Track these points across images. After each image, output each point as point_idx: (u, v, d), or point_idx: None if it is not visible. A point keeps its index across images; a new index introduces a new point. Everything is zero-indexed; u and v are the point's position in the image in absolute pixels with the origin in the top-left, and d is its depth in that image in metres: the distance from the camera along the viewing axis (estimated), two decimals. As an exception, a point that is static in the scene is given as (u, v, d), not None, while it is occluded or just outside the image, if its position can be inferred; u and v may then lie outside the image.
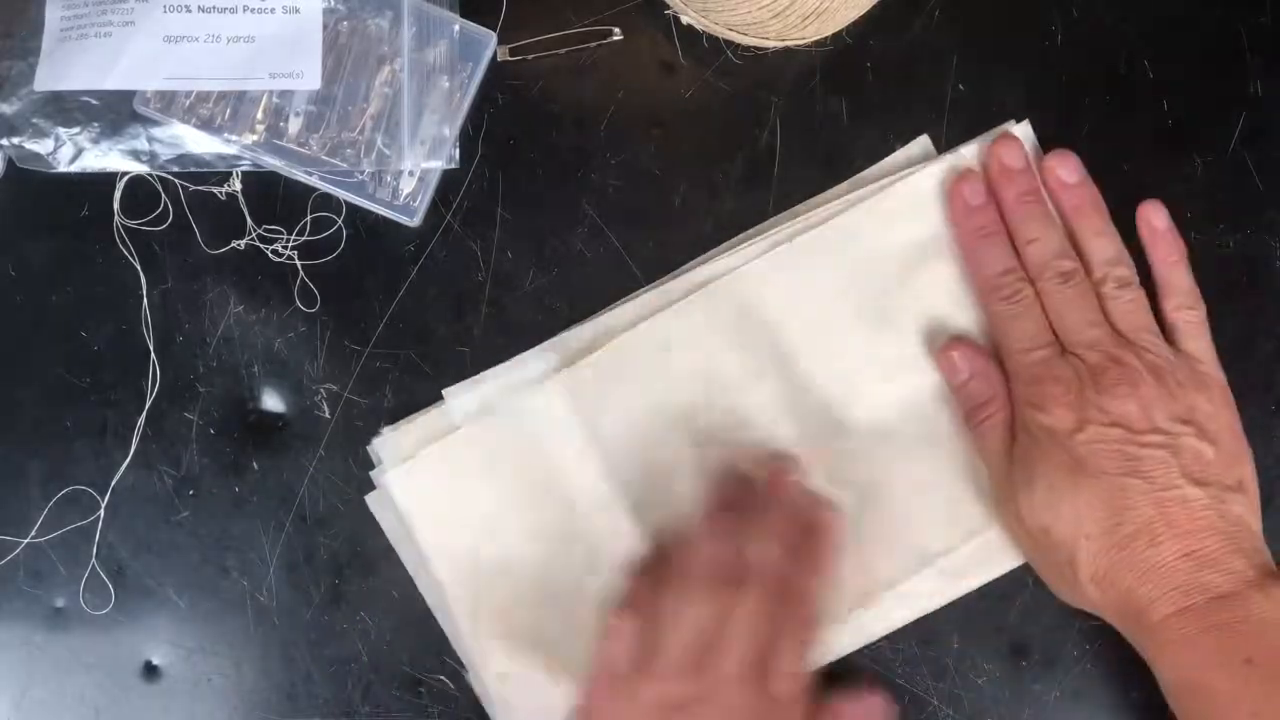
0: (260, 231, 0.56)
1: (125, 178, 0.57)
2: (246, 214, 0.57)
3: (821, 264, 0.56)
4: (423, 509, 0.55)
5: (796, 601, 0.49)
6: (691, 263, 0.57)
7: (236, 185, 0.56)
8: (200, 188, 0.57)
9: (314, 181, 0.56)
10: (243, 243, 0.57)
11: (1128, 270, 0.53)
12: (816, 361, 0.55)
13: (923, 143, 0.57)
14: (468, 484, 0.55)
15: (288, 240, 0.57)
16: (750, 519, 0.50)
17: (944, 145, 0.57)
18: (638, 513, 0.54)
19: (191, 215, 0.57)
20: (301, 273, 0.57)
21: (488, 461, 0.55)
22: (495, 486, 0.55)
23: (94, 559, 0.56)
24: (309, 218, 0.57)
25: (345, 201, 0.57)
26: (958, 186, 0.55)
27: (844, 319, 0.55)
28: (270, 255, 0.56)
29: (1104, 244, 0.54)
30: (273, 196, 0.57)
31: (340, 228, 0.57)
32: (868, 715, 0.52)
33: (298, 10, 0.56)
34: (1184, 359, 0.52)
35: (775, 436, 0.55)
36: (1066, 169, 0.55)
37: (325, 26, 0.57)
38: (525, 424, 0.55)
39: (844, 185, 0.57)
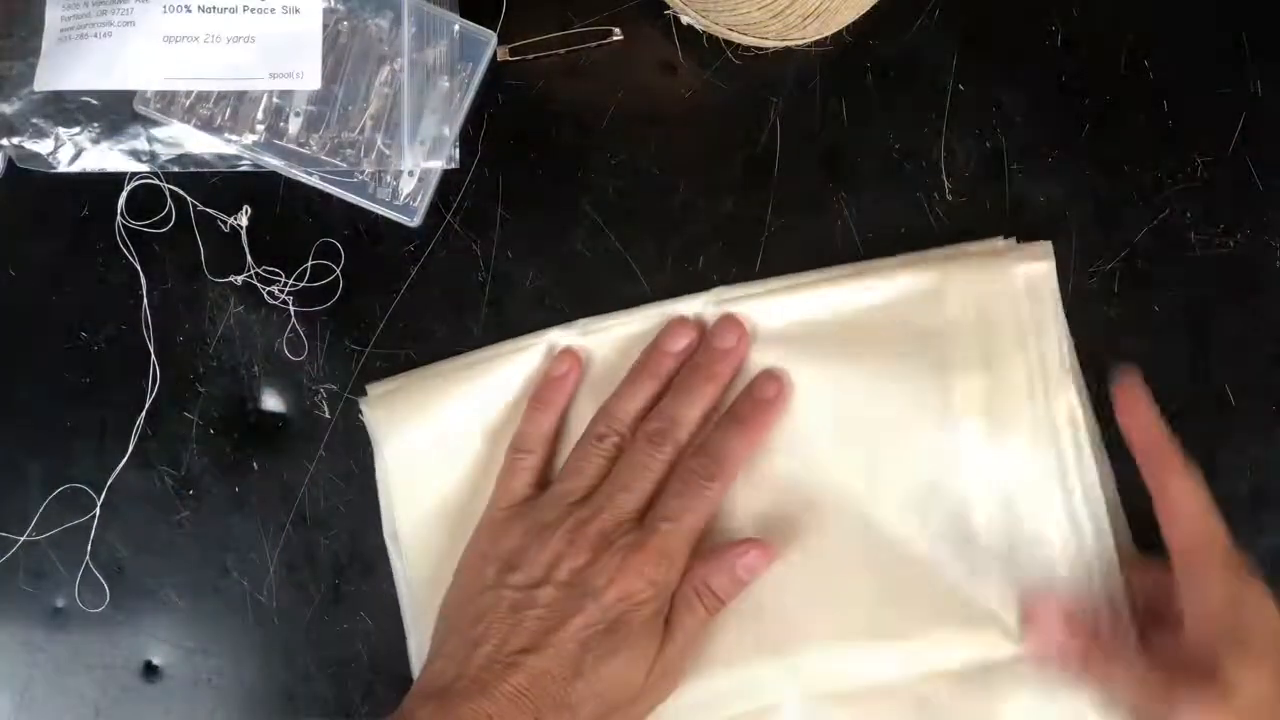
0: (259, 271, 0.56)
1: (133, 181, 0.57)
2: (248, 252, 0.57)
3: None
4: (393, 431, 0.55)
5: (704, 455, 0.52)
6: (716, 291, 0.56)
7: (243, 221, 0.56)
8: (208, 210, 0.57)
9: (314, 181, 0.56)
10: (240, 279, 0.57)
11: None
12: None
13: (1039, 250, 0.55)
14: (447, 413, 0.55)
15: (285, 284, 0.56)
16: (681, 379, 0.53)
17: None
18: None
19: (196, 227, 0.57)
20: (293, 319, 0.57)
21: (474, 399, 0.55)
22: (475, 421, 0.55)
23: (88, 557, 0.56)
24: (309, 264, 0.57)
25: (343, 247, 0.57)
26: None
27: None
28: (266, 296, 0.56)
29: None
30: (277, 231, 0.57)
31: (338, 277, 0.57)
32: (742, 558, 0.51)
33: (298, 10, 0.56)
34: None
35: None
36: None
37: (325, 26, 0.57)
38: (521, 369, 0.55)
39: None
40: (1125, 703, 0.48)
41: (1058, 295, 0.54)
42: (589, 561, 0.49)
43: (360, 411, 0.56)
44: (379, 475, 0.55)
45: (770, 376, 0.54)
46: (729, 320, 0.54)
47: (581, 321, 0.56)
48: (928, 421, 0.53)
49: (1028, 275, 0.54)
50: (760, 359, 0.54)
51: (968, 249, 0.56)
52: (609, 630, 0.48)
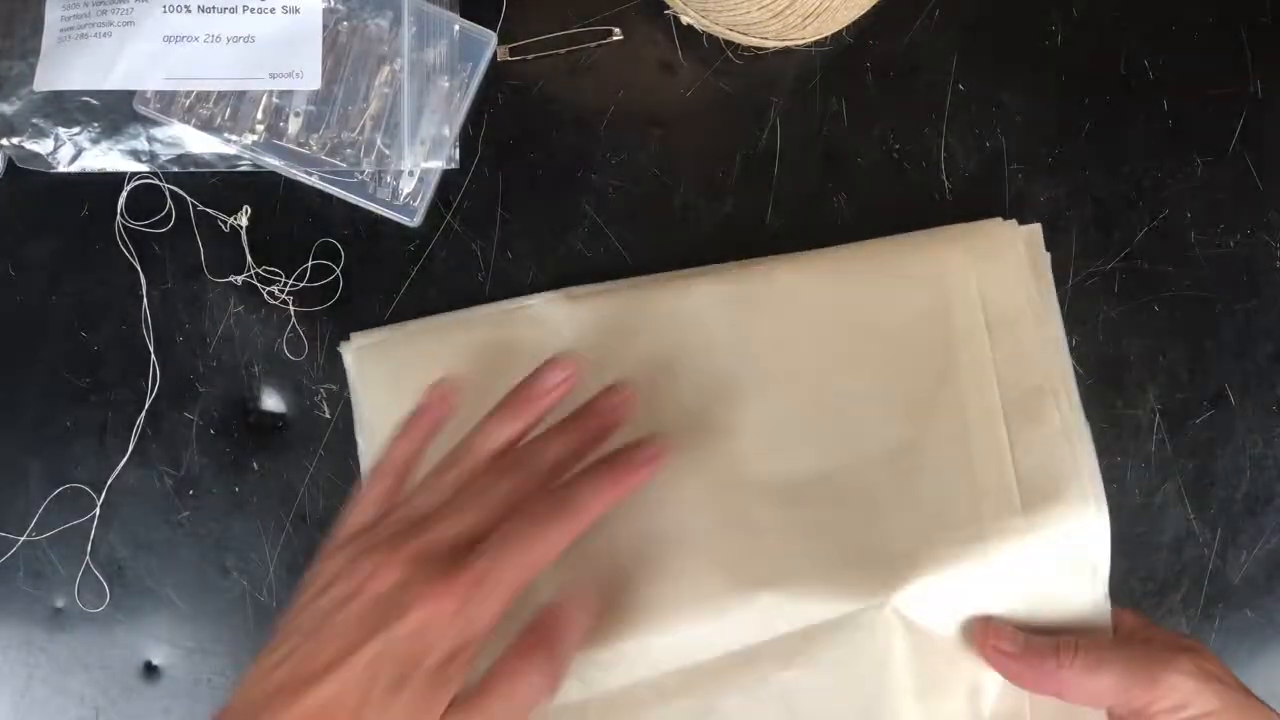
0: (259, 271, 0.56)
1: (132, 181, 0.57)
2: (248, 252, 0.57)
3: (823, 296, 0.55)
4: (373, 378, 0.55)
5: (558, 501, 0.46)
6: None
7: (243, 221, 0.56)
8: (208, 210, 0.57)
9: (314, 181, 0.56)
10: (240, 279, 0.57)
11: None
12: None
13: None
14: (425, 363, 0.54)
15: (285, 284, 0.56)
16: (554, 422, 0.49)
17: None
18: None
19: (196, 227, 0.57)
20: (293, 319, 0.56)
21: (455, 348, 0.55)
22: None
23: (88, 557, 0.56)
24: (309, 264, 0.57)
25: (343, 247, 0.57)
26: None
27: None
28: (266, 297, 0.56)
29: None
30: (277, 231, 0.57)
31: (338, 277, 0.57)
32: (562, 622, 0.46)
33: (297, 10, 0.56)
34: None
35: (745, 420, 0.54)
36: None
37: (325, 26, 0.57)
38: (507, 328, 0.55)
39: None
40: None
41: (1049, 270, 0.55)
42: (401, 579, 0.44)
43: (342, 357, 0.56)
44: (356, 423, 0.56)
45: (652, 441, 0.49)
46: (617, 394, 0.50)
47: (565, 290, 0.56)
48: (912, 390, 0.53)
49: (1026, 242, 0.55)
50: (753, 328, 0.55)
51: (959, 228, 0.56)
52: (401, 662, 0.42)
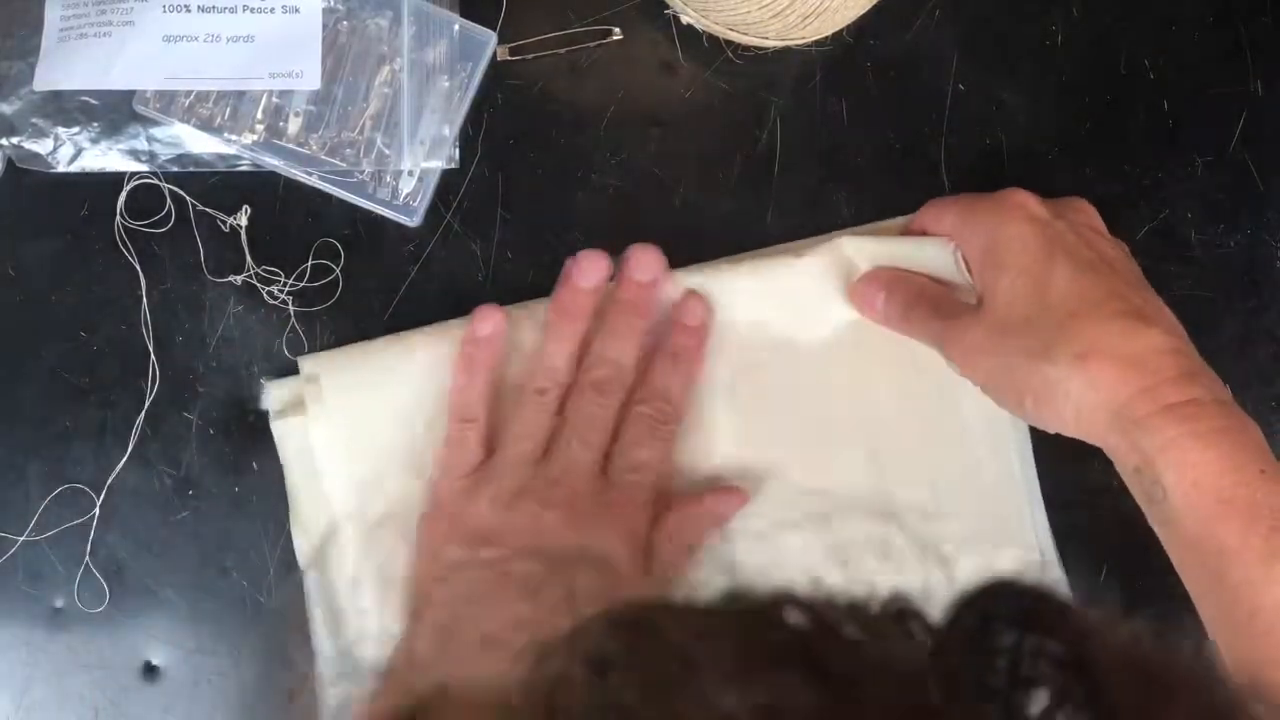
0: (259, 271, 0.56)
1: (132, 182, 0.57)
2: (247, 251, 0.56)
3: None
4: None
5: (654, 398, 0.51)
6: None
7: (243, 220, 0.56)
8: (208, 210, 0.57)
9: (314, 181, 0.56)
10: (239, 279, 0.56)
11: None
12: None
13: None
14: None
15: (285, 284, 0.56)
16: (603, 323, 0.52)
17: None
18: None
19: (196, 227, 0.57)
20: (293, 319, 0.56)
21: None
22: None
23: (88, 557, 0.56)
24: (309, 264, 0.57)
25: (343, 247, 0.57)
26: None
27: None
28: (266, 296, 0.56)
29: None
30: (277, 231, 0.57)
31: (338, 277, 0.57)
32: (713, 508, 0.52)
33: (297, 10, 0.56)
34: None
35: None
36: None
37: (325, 26, 0.56)
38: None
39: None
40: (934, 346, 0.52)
41: None
42: (564, 522, 0.48)
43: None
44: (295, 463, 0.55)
45: (694, 299, 0.54)
46: (643, 253, 0.54)
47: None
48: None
49: None
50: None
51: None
52: (597, 575, 0.47)
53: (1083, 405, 0.46)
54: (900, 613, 0.24)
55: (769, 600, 0.24)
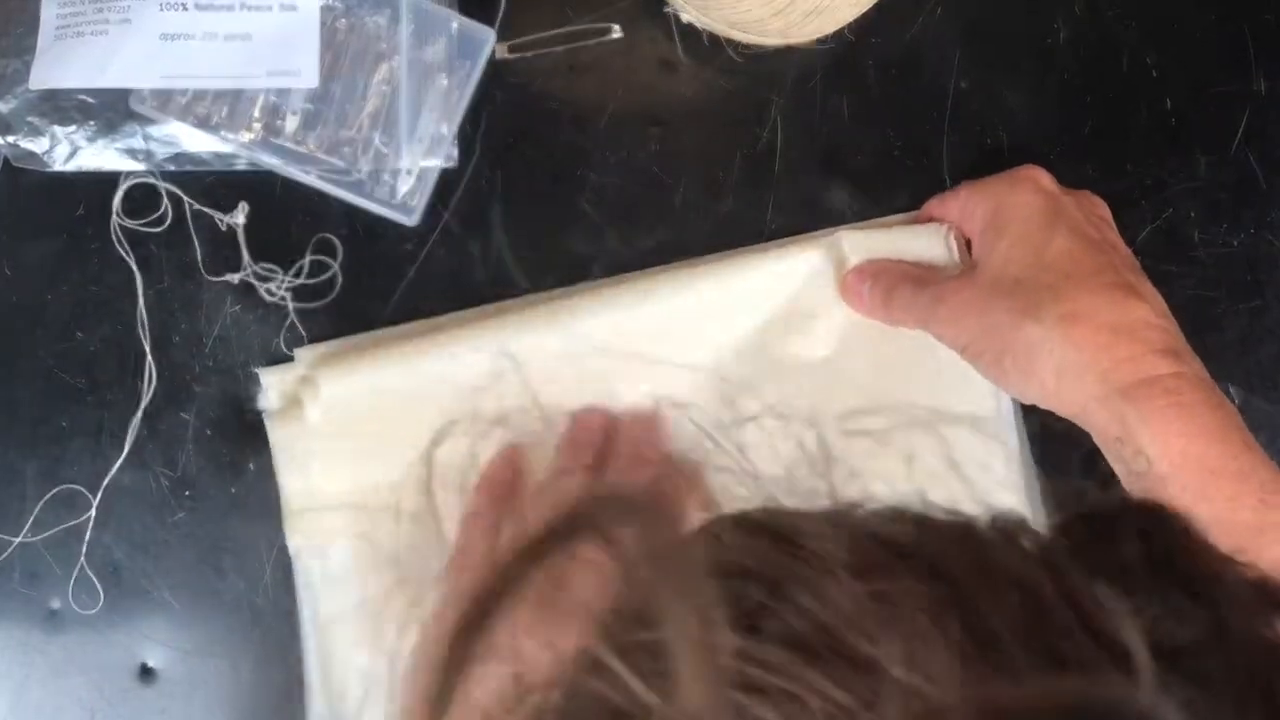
0: (256, 269, 0.56)
1: (129, 180, 0.57)
2: (245, 251, 0.56)
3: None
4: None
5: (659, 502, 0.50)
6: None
7: (240, 219, 0.56)
8: (204, 209, 0.56)
9: (311, 180, 0.56)
10: (237, 277, 0.56)
11: None
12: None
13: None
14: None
15: (282, 280, 0.56)
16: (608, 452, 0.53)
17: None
18: None
19: (192, 226, 0.57)
20: (291, 316, 0.56)
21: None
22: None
23: (83, 558, 0.55)
24: (307, 259, 0.56)
25: (341, 246, 0.56)
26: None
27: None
28: (264, 294, 0.56)
29: None
30: (274, 231, 0.57)
31: (336, 277, 0.56)
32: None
33: (295, 8, 0.56)
34: None
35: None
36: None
37: (323, 24, 0.56)
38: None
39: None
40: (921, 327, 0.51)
41: None
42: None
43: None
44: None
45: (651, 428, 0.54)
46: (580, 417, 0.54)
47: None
48: None
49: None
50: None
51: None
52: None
53: (1064, 366, 0.45)
54: (1007, 527, 0.24)
55: (888, 511, 0.25)
